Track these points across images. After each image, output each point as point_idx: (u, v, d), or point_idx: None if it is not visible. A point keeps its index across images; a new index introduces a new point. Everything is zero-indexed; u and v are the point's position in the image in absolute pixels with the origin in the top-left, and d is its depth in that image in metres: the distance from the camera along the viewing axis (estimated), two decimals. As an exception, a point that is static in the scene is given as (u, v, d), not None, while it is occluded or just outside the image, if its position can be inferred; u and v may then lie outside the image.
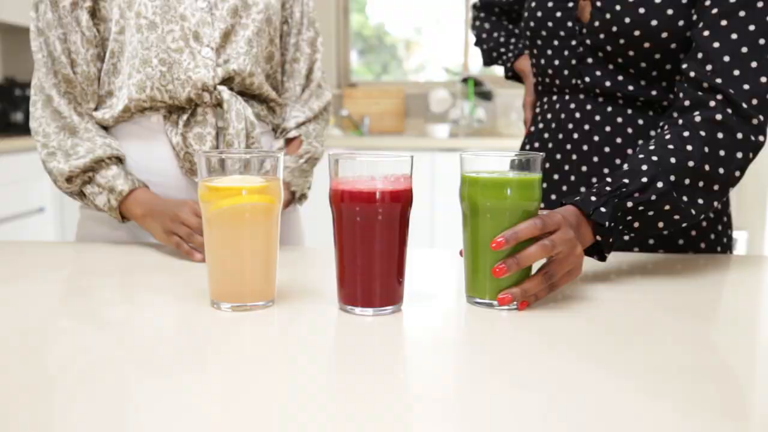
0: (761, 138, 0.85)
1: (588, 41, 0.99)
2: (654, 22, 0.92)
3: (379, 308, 0.70)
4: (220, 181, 0.71)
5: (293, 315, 0.71)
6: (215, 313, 0.71)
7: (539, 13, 1.06)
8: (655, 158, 0.82)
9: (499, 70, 4.20)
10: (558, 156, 1.07)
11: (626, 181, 0.80)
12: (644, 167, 0.82)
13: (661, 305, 0.76)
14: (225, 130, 1.05)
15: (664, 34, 0.92)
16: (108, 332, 0.66)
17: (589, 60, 1.01)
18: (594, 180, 1.03)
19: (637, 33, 0.93)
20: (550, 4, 1.05)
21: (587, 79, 1.01)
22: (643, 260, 0.96)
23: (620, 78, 0.98)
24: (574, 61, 1.02)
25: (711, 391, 0.52)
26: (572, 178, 1.06)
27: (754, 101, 0.84)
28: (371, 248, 0.69)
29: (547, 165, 1.08)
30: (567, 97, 1.06)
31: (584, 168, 1.04)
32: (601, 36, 0.97)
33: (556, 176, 1.08)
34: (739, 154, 0.84)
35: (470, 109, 3.68)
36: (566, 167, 1.06)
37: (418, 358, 0.61)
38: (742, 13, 0.85)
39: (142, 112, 1.05)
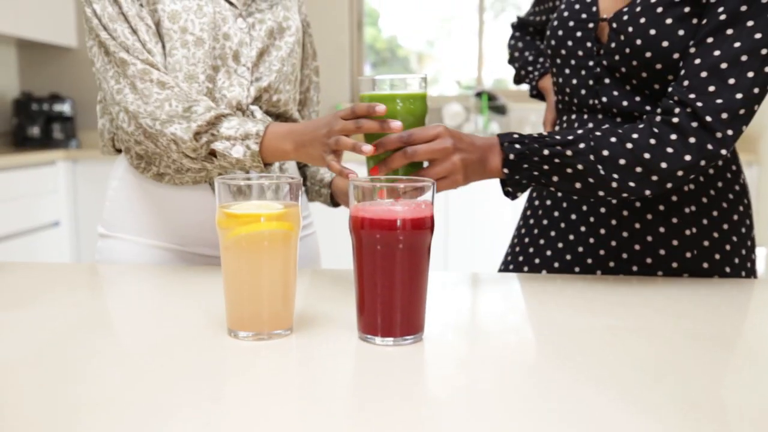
0: (722, 151, 0.85)
1: (604, 62, 0.98)
2: (665, 44, 0.91)
3: (399, 338, 0.69)
4: (238, 208, 0.70)
5: (312, 344, 0.70)
6: (233, 342, 0.70)
7: (560, 32, 1.05)
8: (598, 133, 0.89)
9: (512, 85, 4.19)
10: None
11: (557, 136, 0.88)
12: (580, 132, 0.89)
13: (689, 335, 0.74)
14: None
15: (675, 55, 0.91)
16: (122, 361, 0.65)
17: (606, 80, 1.00)
18: (614, 201, 1.01)
19: (648, 54, 0.92)
20: (570, 24, 1.04)
21: (604, 99, 1.00)
22: (667, 285, 0.94)
23: (637, 99, 0.97)
24: (591, 82, 1.01)
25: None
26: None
27: (724, 115, 0.84)
28: (392, 277, 0.68)
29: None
30: (585, 116, 1.04)
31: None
32: (616, 57, 0.96)
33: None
34: (688, 157, 0.85)
35: (484, 124, 3.67)
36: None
37: (439, 389, 0.60)
38: (729, 31, 0.85)
39: None
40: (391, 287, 0.68)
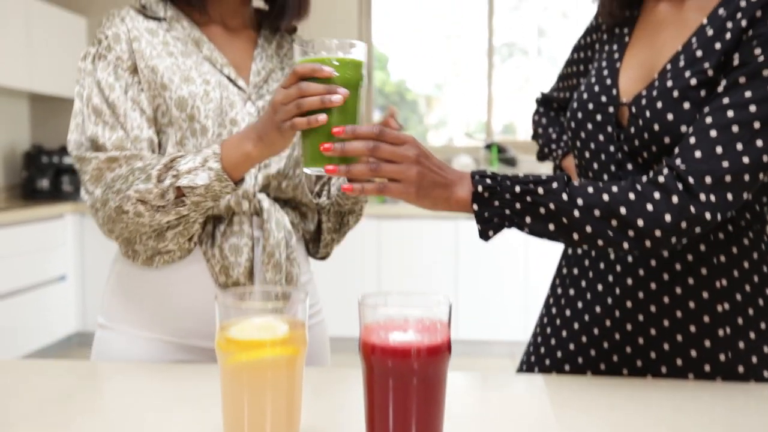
0: (706, 215, 0.82)
1: (625, 147, 0.95)
2: (683, 129, 0.88)
3: (413, 475, 0.63)
4: (239, 330, 0.65)
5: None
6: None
7: (579, 115, 1.02)
8: (573, 183, 0.86)
9: (522, 135, 4.19)
10: (601, 265, 1.01)
11: (530, 176, 0.86)
12: (558, 176, 0.86)
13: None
14: (265, 241, 1.01)
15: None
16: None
17: (629, 166, 0.95)
18: (641, 295, 0.95)
19: (667, 140, 0.89)
20: (590, 106, 1.00)
21: None
22: (699, 389, 0.88)
23: None
24: (613, 168, 0.97)
25: None
26: (613, 300, 0.99)
27: (708, 179, 0.81)
28: (405, 407, 0.62)
29: (591, 274, 1.02)
30: None
31: (630, 280, 0.97)
32: (636, 142, 0.93)
33: (600, 287, 1.01)
34: (668, 217, 0.82)
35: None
36: (610, 278, 0.99)
37: None
38: (725, 100, 0.83)
39: None
40: (405, 421, 0.62)
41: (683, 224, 0.82)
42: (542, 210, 0.85)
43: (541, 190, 0.84)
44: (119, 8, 1.04)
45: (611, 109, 0.98)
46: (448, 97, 4.31)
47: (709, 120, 0.83)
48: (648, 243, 0.84)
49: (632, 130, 0.93)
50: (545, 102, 1.33)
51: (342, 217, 1.14)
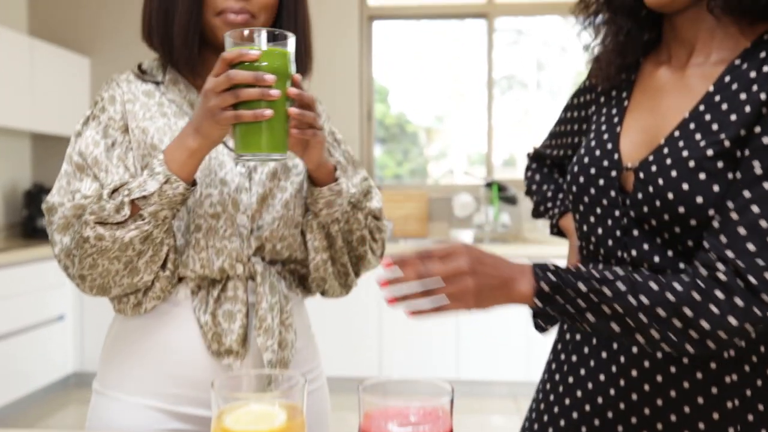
0: None
1: (632, 213, 0.93)
2: (699, 200, 0.86)
3: None
4: (235, 420, 0.64)
5: None
6: None
7: (581, 179, 1.01)
8: (637, 276, 0.83)
9: (520, 169, 4.20)
10: (607, 349, 0.99)
11: (594, 272, 0.82)
12: (619, 270, 0.83)
13: None
14: (257, 304, 0.99)
15: (711, 212, 0.86)
16: None
17: (635, 232, 0.94)
18: (646, 364, 0.94)
19: (681, 210, 0.87)
20: (592, 171, 0.99)
21: (634, 253, 0.94)
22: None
23: (670, 254, 0.91)
24: (618, 233, 0.96)
25: None
26: (618, 369, 0.97)
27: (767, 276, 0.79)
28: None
29: (594, 341, 1.00)
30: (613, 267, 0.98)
31: (635, 348, 0.95)
32: (645, 209, 0.91)
33: (603, 354, 0.99)
34: (732, 320, 0.79)
35: (495, 214, 3.63)
36: (614, 345, 0.97)
37: None
38: (766, 185, 0.81)
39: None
40: None
41: (748, 326, 0.80)
42: (607, 310, 0.83)
43: (607, 291, 0.82)
44: (120, 72, 1.06)
45: (614, 173, 0.96)
46: (449, 129, 4.34)
47: (756, 209, 0.81)
48: (712, 345, 0.82)
49: (640, 195, 0.91)
50: (537, 158, 1.32)
51: (329, 233, 1.07)
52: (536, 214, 1.30)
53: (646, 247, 0.93)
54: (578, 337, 1.03)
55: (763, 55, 0.89)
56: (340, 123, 3.92)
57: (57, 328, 3.38)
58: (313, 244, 1.04)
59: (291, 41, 0.86)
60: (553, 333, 1.13)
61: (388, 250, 3.34)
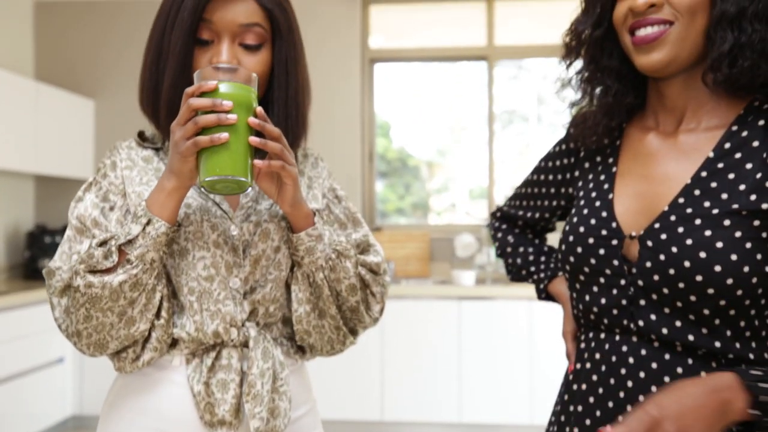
0: None
1: (640, 282, 0.92)
2: (717, 268, 0.85)
3: None
4: None
5: None
6: None
7: (579, 249, 0.99)
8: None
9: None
10: (610, 404, 0.97)
11: None
12: None
13: None
14: (248, 370, 0.98)
15: (729, 281, 0.85)
16: None
17: (642, 302, 0.92)
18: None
19: (699, 278, 0.86)
20: (590, 240, 0.98)
21: (641, 323, 0.93)
22: None
23: (678, 324, 0.90)
24: (624, 302, 0.94)
25: None
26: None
27: None
28: None
29: (598, 413, 0.98)
30: (617, 338, 0.96)
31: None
32: (656, 278, 0.89)
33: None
34: None
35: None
36: (627, 407, 0.95)
37: None
38: None
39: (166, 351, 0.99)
40: None
41: None
42: None
43: None
44: (123, 140, 1.09)
45: (614, 242, 0.95)
46: (450, 163, 4.35)
47: None
48: None
49: (648, 264, 0.90)
50: (506, 219, 1.29)
51: (314, 284, 1.04)
52: (516, 277, 1.27)
53: (653, 317, 0.92)
54: (584, 386, 1.02)
55: (761, 123, 0.90)
56: (343, 161, 3.95)
57: (57, 370, 3.36)
58: (296, 295, 1.03)
59: (255, 77, 0.90)
60: (556, 377, 1.10)
61: (390, 290, 3.30)
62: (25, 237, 3.80)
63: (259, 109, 0.89)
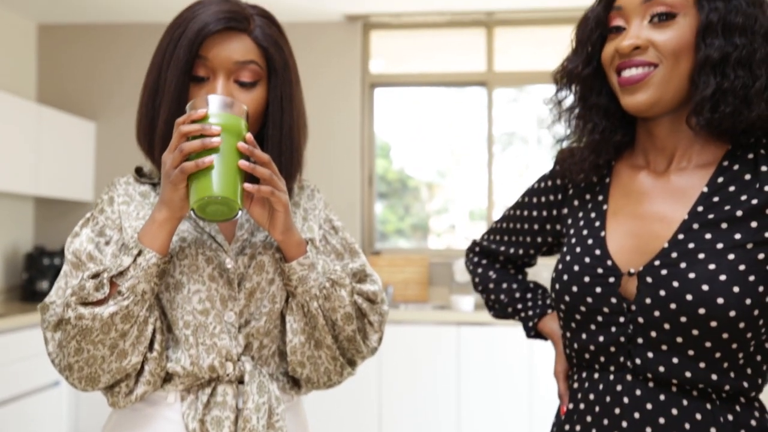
0: None
1: (640, 319, 0.91)
2: (720, 300, 0.85)
3: None
4: None
5: None
6: None
7: (575, 288, 0.99)
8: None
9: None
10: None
11: None
12: None
13: None
14: (243, 404, 0.97)
15: (732, 313, 0.85)
16: None
17: (640, 340, 0.92)
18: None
19: (702, 311, 0.86)
20: (586, 279, 0.98)
21: (638, 361, 0.92)
22: None
23: (675, 361, 0.90)
24: (622, 339, 0.93)
25: None
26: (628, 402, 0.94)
27: None
28: None
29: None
30: (611, 377, 0.96)
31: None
32: (656, 314, 0.89)
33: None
34: None
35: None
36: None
37: None
38: None
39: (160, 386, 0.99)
40: None
41: None
42: None
43: None
44: (121, 176, 1.09)
45: (612, 279, 0.95)
46: (450, 184, 4.36)
47: None
48: None
49: (648, 300, 0.90)
50: (485, 254, 1.27)
51: (309, 314, 1.02)
52: (501, 314, 1.25)
53: (650, 354, 0.92)
54: (578, 428, 1.00)
55: (751, 156, 0.92)
56: (342, 185, 3.96)
57: (52, 394, 3.34)
58: (291, 326, 1.01)
59: (245, 109, 0.93)
60: (556, 404, 1.08)
61: (388, 315, 3.31)
62: (24, 258, 3.80)
63: (248, 135, 0.90)
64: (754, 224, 0.87)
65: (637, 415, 0.93)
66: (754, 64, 0.88)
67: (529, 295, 1.22)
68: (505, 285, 1.23)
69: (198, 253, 0.99)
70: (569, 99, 1.07)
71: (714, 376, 0.89)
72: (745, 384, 0.89)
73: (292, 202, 1.11)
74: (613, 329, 0.95)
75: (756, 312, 0.85)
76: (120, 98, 4.07)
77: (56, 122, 3.71)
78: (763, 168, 0.89)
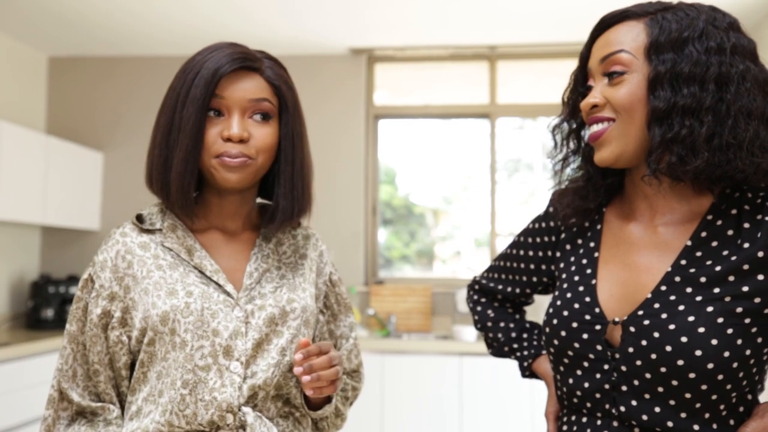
0: None
1: (623, 367, 0.93)
2: (698, 352, 0.86)
3: None
4: None
5: None
6: None
7: (563, 333, 1.00)
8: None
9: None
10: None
11: None
12: None
13: None
14: None
15: (710, 365, 0.86)
16: None
17: (624, 387, 0.93)
18: None
19: (680, 362, 0.87)
20: (574, 325, 0.99)
21: (622, 409, 0.94)
22: None
23: (657, 410, 0.91)
24: (607, 386, 0.95)
25: None
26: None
27: None
28: None
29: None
30: (599, 422, 0.97)
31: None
32: (638, 363, 0.91)
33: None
34: None
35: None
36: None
37: None
38: None
39: None
40: None
41: None
42: None
43: None
44: (120, 226, 1.08)
45: (598, 327, 0.97)
46: (456, 210, 4.38)
47: None
48: None
49: (631, 349, 0.92)
50: (484, 292, 1.29)
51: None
52: (498, 353, 1.27)
53: (634, 403, 0.93)
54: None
55: (734, 212, 0.93)
56: (346, 214, 3.99)
57: (55, 424, 3.33)
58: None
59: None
60: None
61: (391, 345, 3.30)
62: (30, 287, 3.82)
63: (304, 341, 1.00)
64: (731, 278, 0.88)
65: None
66: (702, 112, 0.89)
67: (524, 335, 1.24)
68: (502, 324, 1.25)
69: (203, 308, 0.99)
70: (563, 150, 1.12)
71: (696, 426, 0.89)
72: None
73: (301, 254, 1.13)
74: (598, 376, 0.96)
75: (735, 364, 0.86)
76: (127, 128, 4.13)
77: (64, 152, 3.76)
78: (746, 225, 0.90)
